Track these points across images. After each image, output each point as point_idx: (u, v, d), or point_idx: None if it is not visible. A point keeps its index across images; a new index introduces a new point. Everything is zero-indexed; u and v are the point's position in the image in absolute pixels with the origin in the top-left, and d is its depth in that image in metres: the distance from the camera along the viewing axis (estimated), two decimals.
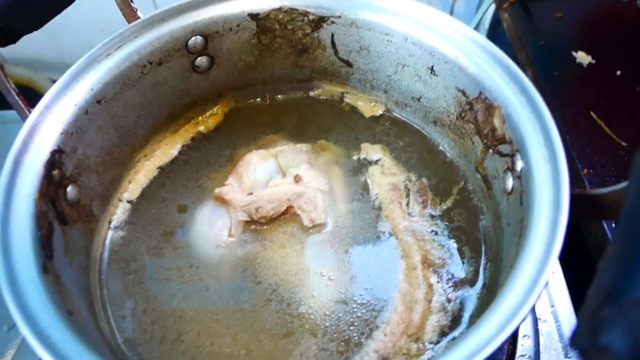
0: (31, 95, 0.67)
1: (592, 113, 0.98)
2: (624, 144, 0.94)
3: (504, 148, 0.65)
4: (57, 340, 0.48)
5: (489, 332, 0.46)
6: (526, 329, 0.79)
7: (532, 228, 0.53)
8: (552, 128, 0.57)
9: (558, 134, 0.57)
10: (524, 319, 0.46)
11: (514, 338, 0.78)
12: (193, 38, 0.76)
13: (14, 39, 0.66)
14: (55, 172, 0.63)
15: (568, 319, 0.82)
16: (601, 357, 0.37)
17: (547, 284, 0.48)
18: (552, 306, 0.83)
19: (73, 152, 0.66)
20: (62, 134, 0.64)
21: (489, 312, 0.48)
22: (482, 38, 0.68)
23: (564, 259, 0.86)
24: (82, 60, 0.68)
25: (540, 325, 0.81)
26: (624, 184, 0.50)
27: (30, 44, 1.46)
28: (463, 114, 0.73)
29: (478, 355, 0.43)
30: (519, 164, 0.61)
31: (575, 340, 0.40)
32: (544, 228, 0.52)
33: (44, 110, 0.64)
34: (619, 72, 1.05)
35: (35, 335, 0.48)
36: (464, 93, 0.71)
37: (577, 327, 0.40)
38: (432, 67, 0.74)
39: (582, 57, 1.07)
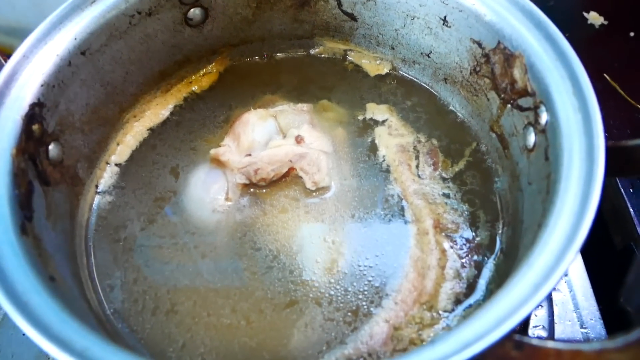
0: None
1: (605, 75, 0.94)
2: (639, 106, 0.89)
3: (525, 101, 0.60)
4: (37, 305, 0.43)
5: (523, 292, 0.41)
6: None
7: (562, 182, 0.48)
8: (582, 75, 0.53)
9: (589, 81, 0.52)
10: (561, 277, 0.41)
11: None
12: None
13: None
14: (35, 127, 0.57)
15: (583, 288, 0.78)
16: None
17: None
18: (566, 275, 0.79)
19: (55, 106, 0.61)
20: (42, 85, 0.59)
21: (519, 272, 0.43)
22: None
23: None
24: (64, 6, 0.63)
25: (554, 295, 0.77)
26: None
27: (13, 11, 1.39)
28: (478, 68, 0.68)
29: (515, 315, 0.39)
30: (544, 117, 0.56)
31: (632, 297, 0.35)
32: (576, 181, 0.48)
33: (22, 59, 0.59)
34: (632, 34, 1.00)
35: (10, 299, 0.42)
36: (479, 44, 0.66)
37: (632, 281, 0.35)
38: (445, 17, 0.69)
39: (594, 18, 1.02)
